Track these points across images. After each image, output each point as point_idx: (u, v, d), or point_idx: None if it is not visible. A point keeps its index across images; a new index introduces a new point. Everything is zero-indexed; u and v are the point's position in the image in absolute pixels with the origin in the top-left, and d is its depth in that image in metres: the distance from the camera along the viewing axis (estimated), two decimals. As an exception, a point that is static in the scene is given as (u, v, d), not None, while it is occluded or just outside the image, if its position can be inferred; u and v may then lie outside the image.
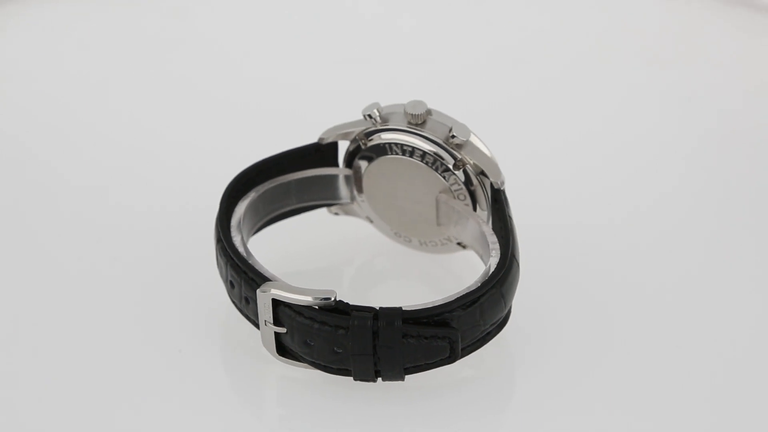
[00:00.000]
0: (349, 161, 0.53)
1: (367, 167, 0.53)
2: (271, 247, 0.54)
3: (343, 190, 0.54)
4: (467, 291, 0.46)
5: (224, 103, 0.68)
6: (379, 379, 0.47)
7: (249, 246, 0.50)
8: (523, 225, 0.52)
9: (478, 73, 0.72)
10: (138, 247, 0.56)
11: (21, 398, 0.48)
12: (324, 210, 0.56)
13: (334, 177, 0.54)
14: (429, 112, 0.51)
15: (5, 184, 0.61)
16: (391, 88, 0.67)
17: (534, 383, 0.49)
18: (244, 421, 0.48)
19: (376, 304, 0.46)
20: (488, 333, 0.48)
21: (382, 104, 0.52)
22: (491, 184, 0.51)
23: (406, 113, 0.51)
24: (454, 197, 0.51)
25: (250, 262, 0.48)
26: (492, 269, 0.47)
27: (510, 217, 0.50)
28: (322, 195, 0.54)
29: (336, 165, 0.54)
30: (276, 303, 0.46)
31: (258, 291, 0.46)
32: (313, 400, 0.48)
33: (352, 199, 0.54)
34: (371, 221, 0.55)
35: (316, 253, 0.56)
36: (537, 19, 0.77)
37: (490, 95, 0.69)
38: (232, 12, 0.76)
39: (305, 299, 0.46)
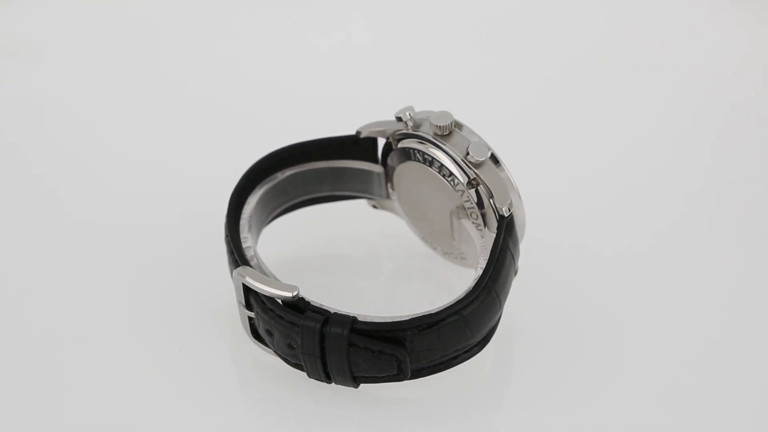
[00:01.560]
0: (383, 159, 0.53)
1: (396, 168, 0.53)
2: (306, 232, 0.56)
3: (379, 185, 0.54)
4: (425, 313, 0.46)
5: (232, 108, 0.68)
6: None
7: (281, 223, 0.51)
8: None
9: (490, 79, 0.70)
10: (139, 247, 0.57)
11: (20, 396, 0.49)
12: (364, 202, 0.56)
13: (371, 172, 0.54)
14: (456, 125, 0.50)
15: (8, 184, 0.63)
16: (400, 94, 0.66)
17: (527, 383, 0.49)
18: (243, 422, 0.49)
19: (399, 305, 0.47)
20: (454, 357, 0.47)
21: (417, 109, 0.51)
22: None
23: (431, 123, 0.50)
24: (467, 215, 0.50)
25: (242, 242, 0.49)
26: (461, 296, 0.46)
27: (504, 249, 0.48)
28: (357, 187, 0.55)
29: (373, 160, 0.54)
30: (246, 288, 0.47)
31: (234, 272, 0.47)
32: (312, 400, 0.49)
33: (388, 195, 0.54)
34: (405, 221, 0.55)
35: (355, 243, 0.57)
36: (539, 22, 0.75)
37: (497, 101, 0.68)
38: (237, 20, 0.76)
39: (268, 290, 0.46)
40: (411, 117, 0.51)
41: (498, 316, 0.48)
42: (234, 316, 0.50)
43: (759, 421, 0.48)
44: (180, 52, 0.72)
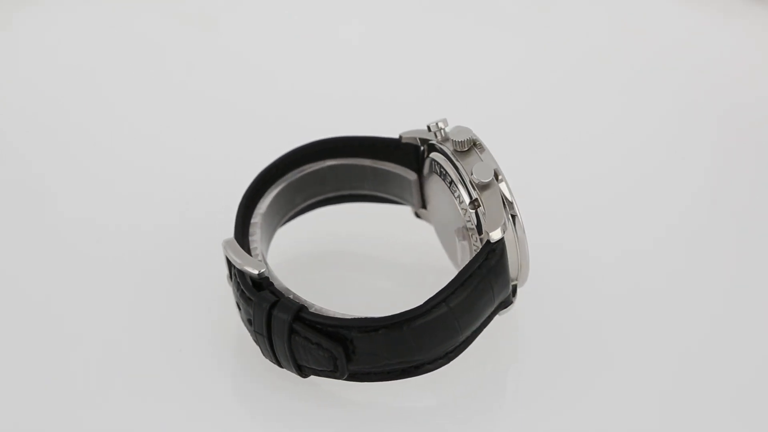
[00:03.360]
0: (419, 168, 0.53)
1: (427, 180, 0.52)
2: (343, 227, 0.56)
3: (415, 194, 0.54)
4: (368, 317, 0.46)
5: (233, 108, 0.67)
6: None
7: (325, 211, 0.52)
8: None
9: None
10: (139, 247, 0.57)
11: (17, 396, 0.49)
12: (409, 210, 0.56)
13: (409, 180, 0.53)
14: (473, 142, 0.49)
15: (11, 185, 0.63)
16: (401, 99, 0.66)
17: (525, 383, 0.49)
18: (242, 422, 0.50)
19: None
20: (403, 370, 0.46)
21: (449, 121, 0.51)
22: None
23: (451, 139, 0.49)
24: (469, 237, 0.49)
25: (246, 217, 0.51)
26: (411, 309, 0.46)
27: (477, 275, 0.46)
28: (397, 192, 0.55)
29: (412, 167, 0.53)
30: (229, 261, 0.49)
31: (222, 241, 0.49)
32: (312, 400, 0.49)
33: (423, 205, 0.54)
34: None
35: (380, 245, 0.57)
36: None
37: (496, 102, 0.67)
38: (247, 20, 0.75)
39: (238, 264, 0.48)
40: (440, 129, 0.50)
41: (455, 341, 0.47)
42: (235, 316, 0.51)
43: (759, 421, 0.48)
44: (178, 49, 0.72)
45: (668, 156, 0.62)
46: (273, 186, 0.53)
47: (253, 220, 0.52)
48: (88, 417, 0.48)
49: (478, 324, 0.48)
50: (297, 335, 0.46)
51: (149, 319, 0.53)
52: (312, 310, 0.46)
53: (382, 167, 0.54)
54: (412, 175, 0.53)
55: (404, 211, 0.56)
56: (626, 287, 0.53)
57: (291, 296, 0.48)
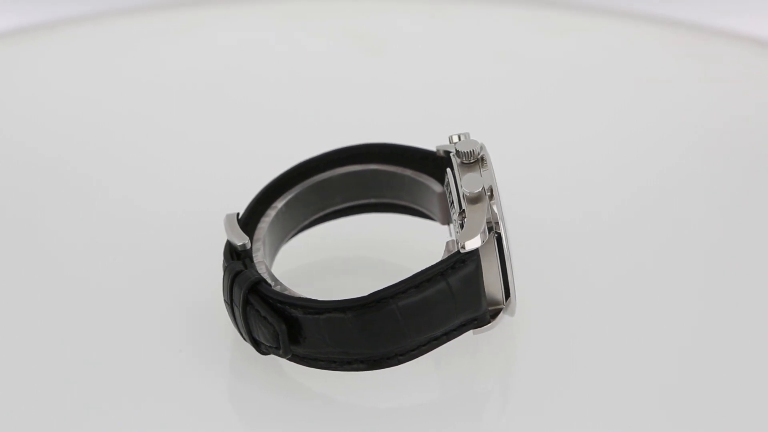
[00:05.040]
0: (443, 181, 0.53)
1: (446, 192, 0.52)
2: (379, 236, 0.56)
3: (441, 209, 0.53)
4: (321, 300, 0.46)
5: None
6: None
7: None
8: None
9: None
10: (139, 246, 0.57)
11: (15, 396, 0.49)
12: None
13: (436, 193, 0.53)
14: (480, 156, 0.48)
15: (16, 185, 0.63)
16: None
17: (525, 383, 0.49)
18: (243, 422, 0.50)
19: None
20: (348, 362, 0.46)
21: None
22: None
23: (457, 150, 0.49)
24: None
25: (268, 201, 0.52)
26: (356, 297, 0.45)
27: (439, 280, 0.45)
28: (428, 206, 0.54)
29: (441, 181, 0.53)
30: None
31: (225, 215, 0.51)
32: (311, 402, 0.50)
33: (447, 221, 0.53)
34: None
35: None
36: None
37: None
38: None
39: (227, 233, 0.49)
40: (457, 141, 0.50)
41: (402, 343, 0.46)
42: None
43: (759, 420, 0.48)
44: (188, 50, 0.73)
45: (668, 158, 0.63)
46: (309, 178, 0.53)
47: (275, 204, 0.52)
48: (88, 417, 0.49)
49: (434, 333, 0.46)
50: (251, 307, 0.47)
51: (148, 319, 0.53)
52: (276, 288, 0.47)
53: (419, 179, 0.53)
54: (439, 188, 0.53)
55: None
56: (626, 288, 0.53)
57: (271, 281, 0.48)
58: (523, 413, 0.48)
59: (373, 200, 0.55)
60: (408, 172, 0.53)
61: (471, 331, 0.48)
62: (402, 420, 0.48)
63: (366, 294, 0.45)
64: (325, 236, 0.55)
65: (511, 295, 0.48)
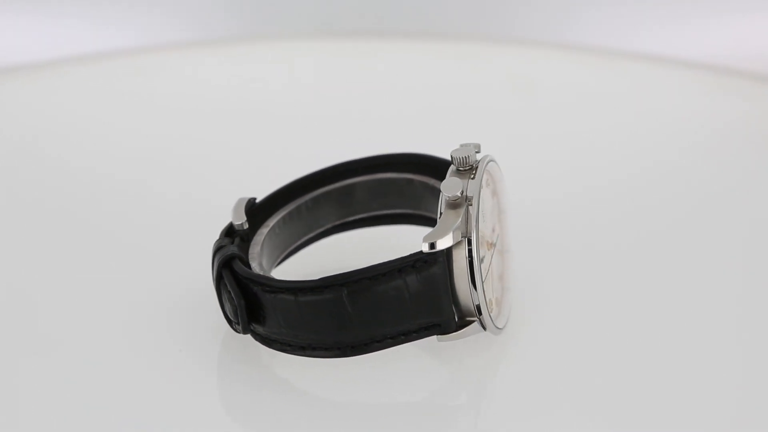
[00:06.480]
0: None
1: None
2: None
3: None
4: (282, 280, 0.46)
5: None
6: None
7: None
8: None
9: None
10: (139, 246, 0.58)
11: (14, 397, 0.49)
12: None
13: None
14: (472, 165, 0.47)
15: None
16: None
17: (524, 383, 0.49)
18: (243, 422, 0.50)
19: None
20: (302, 347, 0.46)
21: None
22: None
23: (454, 157, 0.48)
24: None
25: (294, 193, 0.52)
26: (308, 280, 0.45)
27: (394, 276, 0.44)
28: None
29: None
30: None
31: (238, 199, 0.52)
32: (311, 402, 0.50)
33: None
34: None
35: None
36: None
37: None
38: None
39: (232, 212, 0.50)
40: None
41: (351, 334, 0.45)
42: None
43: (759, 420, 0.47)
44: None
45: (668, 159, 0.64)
46: (342, 181, 0.53)
47: (304, 197, 0.53)
48: (89, 417, 0.49)
49: (388, 330, 0.45)
50: (223, 281, 0.47)
51: (149, 319, 0.53)
52: (258, 270, 0.47)
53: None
54: None
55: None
56: (624, 290, 0.54)
57: (260, 271, 0.48)
58: (519, 418, 0.47)
59: (408, 211, 0.54)
60: (433, 182, 0.52)
61: (435, 337, 0.46)
62: (396, 417, 0.48)
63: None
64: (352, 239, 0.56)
65: (483, 312, 0.46)
